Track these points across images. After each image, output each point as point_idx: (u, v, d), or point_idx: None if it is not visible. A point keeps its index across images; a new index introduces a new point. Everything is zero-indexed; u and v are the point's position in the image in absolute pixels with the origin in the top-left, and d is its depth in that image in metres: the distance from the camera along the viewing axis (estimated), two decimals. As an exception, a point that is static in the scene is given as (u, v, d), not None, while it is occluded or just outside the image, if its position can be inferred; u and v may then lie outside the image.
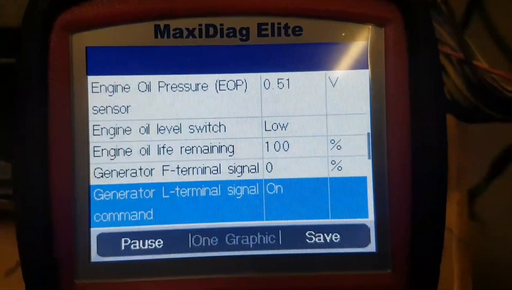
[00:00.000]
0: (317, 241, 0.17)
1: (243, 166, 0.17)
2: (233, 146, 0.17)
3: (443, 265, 0.28)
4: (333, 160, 0.17)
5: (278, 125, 0.17)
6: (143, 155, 0.17)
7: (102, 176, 0.16)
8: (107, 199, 0.16)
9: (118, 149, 0.17)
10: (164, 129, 0.17)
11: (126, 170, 0.17)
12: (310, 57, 0.17)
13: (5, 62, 0.22)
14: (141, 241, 0.17)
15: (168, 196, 0.17)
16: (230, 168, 0.17)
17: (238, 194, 0.17)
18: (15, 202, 0.16)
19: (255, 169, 0.17)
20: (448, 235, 0.30)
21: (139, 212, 0.17)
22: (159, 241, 0.17)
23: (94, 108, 0.17)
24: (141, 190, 0.17)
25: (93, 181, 0.16)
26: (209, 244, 0.17)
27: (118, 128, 0.17)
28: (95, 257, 0.16)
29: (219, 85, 0.17)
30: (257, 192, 0.17)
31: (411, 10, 0.16)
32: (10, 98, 0.26)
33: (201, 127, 0.17)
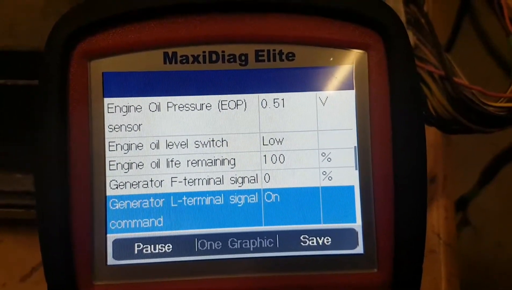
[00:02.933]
0: (311, 244, 0.18)
1: (244, 177, 0.18)
2: (234, 159, 0.18)
3: (431, 267, 0.30)
4: (324, 171, 0.18)
5: (275, 140, 0.18)
6: (153, 168, 0.18)
7: (117, 187, 0.18)
8: (122, 208, 0.18)
9: (131, 163, 0.18)
10: (172, 145, 0.18)
11: (139, 182, 0.18)
12: (302, 79, 0.18)
13: (24, 83, 0.24)
14: (152, 246, 0.18)
15: (176, 205, 0.18)
16: (232, 179, 0.18)
17: (239, 202, 0.18)
18: (37, 212, 0.18)
19: (255, 179, 0.18)
20: (435, 239, 0.31)
21: (150, 220, 0.18)
22: (168, 246, 0.18)
23: (110, 127, 0.18)
24: (152, 200, 0.18)
25: (109, 192, 0.18)
26: (213, 247, 0.18)
27: (131, 144, 0.18)
28: (111, 260, 0.18)
29: (221, 105, 0.18)
30: (256, 201, 0.18)
31: (390, 36, 0.18)
32: (22, 117, 0.27)
33: (206, 143, 0.18)
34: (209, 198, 0.18)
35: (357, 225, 0.18)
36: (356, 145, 0.18)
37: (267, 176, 0.18)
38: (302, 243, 0.18)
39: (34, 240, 0.30)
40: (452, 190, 0.33)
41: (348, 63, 0.18)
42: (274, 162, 0.18)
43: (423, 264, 0.18)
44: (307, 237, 0.18)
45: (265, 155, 0.18)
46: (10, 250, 0.30)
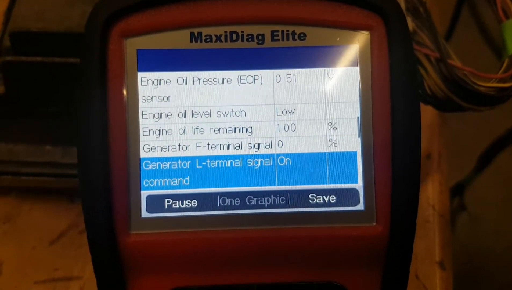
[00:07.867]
0: (318, 201, 0.20)
1: (260, 143, 0.20)
2: (251, 127, 0.20)
3: (426, 236, 0.32)
4: (330, 138, 0.20)
5: (287, 111, 0.20)
6: (181, 134, 0.20)
7: (149, 151, 0.20)
8: (154, 168, 0.20)
9: (162, 130, 0.20)
10: (197, 114, 0.20)
11: (168, 146, 0.20)
12: (312, 57, 0.20)
13: (60, 61, 0.26)
14: (180, 201, 0.20)
15: (201, 167, 0.20)
16: (249, 145, 0.20)
17: (256, 165, 0.20)
18: (79, 173, 0.20)
19: (269, 145, 0.20)
20: (430, 211, 0.34)
21: (178, 179, 0.20)
22: (194, 201, 0.20)
23: (143, 98, 0.20)
24: (179, 162, 0.20)
25: (143, 155, 0.20)
26: (233, 204, 0.20)
27: (161, 113, 0.20)
28: (144, 213, 0.20)
29: (241, 79, 0.20)
30: (271, 164, 0.20)
31: (391, 19, 0.20)
32: (51, 93, 0.30)
33: (226, 113, 0.20)
34: (229, 161, 0.20)
35: (359, 185, 0.20)
36: (359, 115, 0.20)
37: (280, 143, 0.20)
38: (310, 201, 0.20)
39: (62, 207, 0.33)
40: (446, 166, 0.35)
41: (353, 43, 0.20)
42: (286, 130, 0.20)
43: (419, 232, 0.20)
44: (314, 195, 0.20)
45: (278, 124, 0.20)
46: (40, 216, 0.32)
